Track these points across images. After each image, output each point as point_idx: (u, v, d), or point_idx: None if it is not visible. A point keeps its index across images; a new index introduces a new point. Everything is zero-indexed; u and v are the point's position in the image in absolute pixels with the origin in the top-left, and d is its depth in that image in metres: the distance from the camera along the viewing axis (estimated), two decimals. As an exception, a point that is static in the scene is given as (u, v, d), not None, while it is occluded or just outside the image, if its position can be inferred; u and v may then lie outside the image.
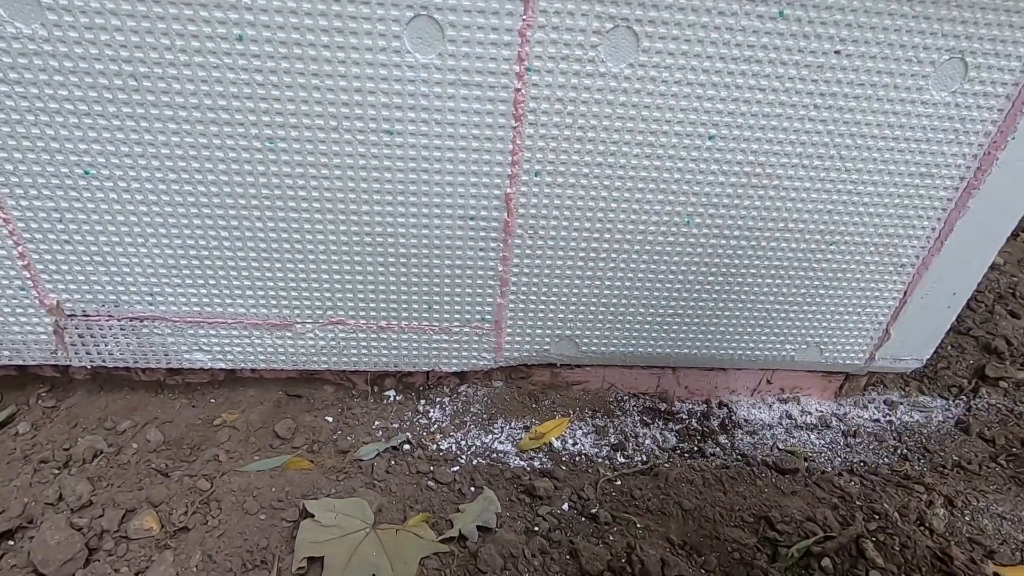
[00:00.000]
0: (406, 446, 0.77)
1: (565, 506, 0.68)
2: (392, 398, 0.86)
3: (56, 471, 0.66)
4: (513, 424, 0.83)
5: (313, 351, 0.79)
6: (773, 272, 0.79)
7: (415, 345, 0.80)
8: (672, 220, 0.73)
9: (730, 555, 0.63)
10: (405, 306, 0.77)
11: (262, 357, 0.79)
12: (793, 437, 0.88)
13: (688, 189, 0.71)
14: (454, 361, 0.83)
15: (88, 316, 0.73)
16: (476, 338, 0.81)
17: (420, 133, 0.64)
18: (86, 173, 0.64)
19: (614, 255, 0.75)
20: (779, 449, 0.85)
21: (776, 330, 0.84)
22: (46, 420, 0.78)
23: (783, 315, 0.83)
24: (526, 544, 0.61)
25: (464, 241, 0.72)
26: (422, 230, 0.70)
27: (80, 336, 0.74)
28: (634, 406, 0.90)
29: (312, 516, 0.59)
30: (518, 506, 0.68)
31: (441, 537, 0.60)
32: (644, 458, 0.80)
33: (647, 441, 0.84)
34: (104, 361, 0.77)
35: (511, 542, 0.60)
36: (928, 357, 0.91)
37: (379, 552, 0.56)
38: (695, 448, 0.84)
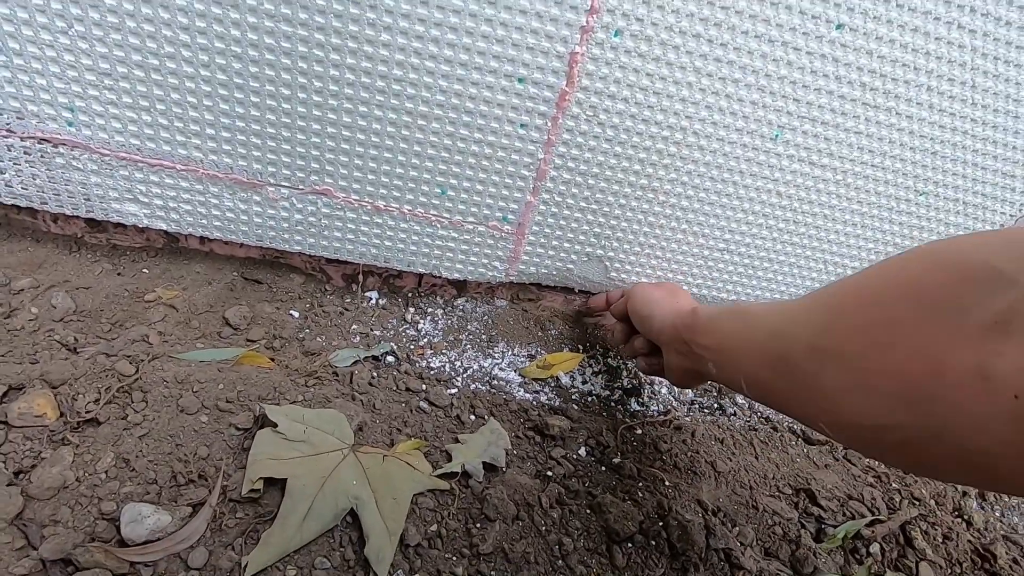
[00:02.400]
0: (390, 358, 0.63)
1: (582, 451, 0.56)
2: (374, 301, 0.71)
3: (-88, 324, 0.48)
4: (516, 351, 0.71)
5: (286, 226, 0.63)
6: (866, 222, 0.67)
7: (415, 239, 0.65)
8: (759, 130, 0.60)
9: (770, 528, 0.54)
10: (413, 186, 0.61)
11: (218, 223, 0.62)
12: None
13: (789, 92, 0.57)
14: (458, 267, 0.68)
15: (-22, 126, 0.53)
16: (491, 241, 0.66)
17: (481, -62, 0.47)
18: (-18, -103, 0.43)
19: (679, 163, 0.61)
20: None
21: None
22: (-89, 262, 0.58)
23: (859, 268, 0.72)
24: (542, 491, 0.49)
25: (505, 110, 0.56)
26: (454, 85, 0.54)
27: (-35, 153, 0.55)
28: (651, 350, 0.78)
29: (273, 426, 0.45)
30: (526, 444, 0.55)
31: (439, 472, 0.47)
32: (661, 407, 0.70)
33: (663, 390, 0.73)
34: (-1, 195, 0.58)
35: (525, 487, 0.48)
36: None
37: (361, 480, 0.43)
38: (715, 404, 0.74)
